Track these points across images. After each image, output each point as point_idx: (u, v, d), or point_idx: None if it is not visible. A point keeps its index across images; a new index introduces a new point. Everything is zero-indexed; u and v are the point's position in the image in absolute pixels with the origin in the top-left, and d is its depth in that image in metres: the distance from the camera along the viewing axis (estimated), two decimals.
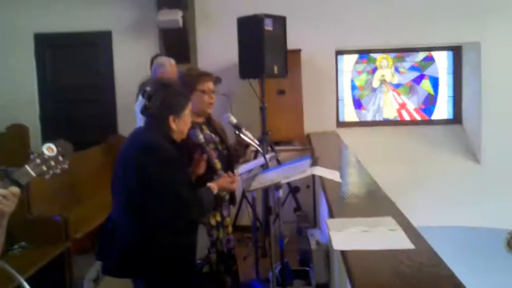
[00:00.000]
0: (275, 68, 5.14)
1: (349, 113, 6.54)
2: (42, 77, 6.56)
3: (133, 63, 6.09)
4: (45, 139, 6.40)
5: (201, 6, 6.25)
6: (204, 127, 3.13)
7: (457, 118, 6.45)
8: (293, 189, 5.35)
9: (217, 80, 3.38)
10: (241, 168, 3.50)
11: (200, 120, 3.14)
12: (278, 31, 5.19)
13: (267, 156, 3.54)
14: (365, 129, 6.42)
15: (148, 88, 2.65)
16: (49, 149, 1.96)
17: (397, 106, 6.53)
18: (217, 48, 6.13)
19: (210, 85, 3.10)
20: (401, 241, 2.14)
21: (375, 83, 6.52)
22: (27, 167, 1.92)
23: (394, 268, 1.87)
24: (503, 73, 6.01)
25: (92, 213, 4.52)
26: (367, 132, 6.35)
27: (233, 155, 3.23)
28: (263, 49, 5.01)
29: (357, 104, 6.54)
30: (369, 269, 1.94)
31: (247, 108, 5.70)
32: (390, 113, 6.54)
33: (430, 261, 1.91)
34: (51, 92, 6.57)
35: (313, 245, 3.54)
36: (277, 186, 2.86)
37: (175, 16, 5.79)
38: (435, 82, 6.47)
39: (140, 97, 4.58)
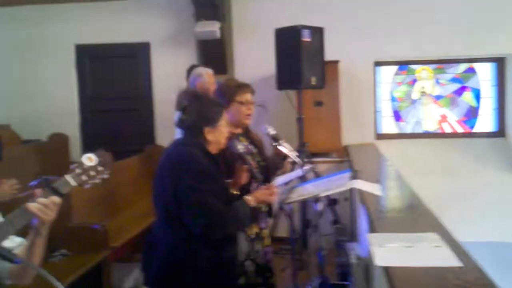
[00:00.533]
0: (313, 79, 5.11)
1: (387, 125, 6.43)
2: (83, 88, 6.68)
3: (171, 74, 6.14)
4: (85, 148, 6.53)
5: (239, 18, 6.28)
6: (242, 138, 3.11)
7: (501, 131, 6.27)
8: (331, 201, 5.27)
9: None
10: (279, 180, 3.47)
11: (238, 131, 3.13)
12: (316, 42, 5.16)
13: (305, 168, 3.50)
14: (404, 141, 6.30)
15: (183, 99, 2.65)
16: (89, 159, 1.97)
17: (438, 118, 6.39)
18: (254, 59, 6.13)
19: (248, 96, 3.09)
20: (447, 258, 2.06)
21: (415, 95, 6.40)
22: (68, 177, 1.94)
23: (441, 286, 1.80)
24: None
25: (130, 222, 4.56)
26: (407, 144, 6.23)
27: (270, 166, 3.20)
28: (301, 60, 4.99)
29: (397, 116, 6.43)
30: (414, 286, 1.87)
31: (284, 119, 5.67)
32: (430, 125, 6.40)
33: (479, 280, 1.83)
34: (91, 102, 6.69)
35: (352, 260, 3.46)
36: (316, 199, 2.82)
37: (213, 28, 5.83)
38: (477, 94, 6.31)
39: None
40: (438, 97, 6.38)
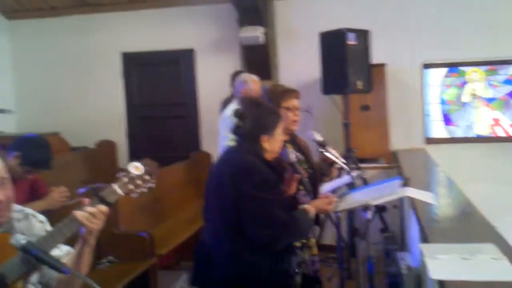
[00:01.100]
0: (359, 83, 5.01)
1: (437, 129, 6.24)
2: (129, 95, 6.78)
3: (215, 80, 6.17)
4: (132, 154, 6.62)
5: (283, 22, 6.23)
6: (289, 145, 3.06)
7: None
8: (380, 208, 5.14)
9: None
10: (326, 187, 3.40)
11: (285, 138, 3.07)
12: (362, 45, 5.06)
13: (353, 174, 3.42)
14: (456, 145, 6.09)
15: (239, 107, 2.61)
16: (136, 168, 1.97)
17: (491, 122, 6.15)
18: (299, 64, 6.07)
19: (295, 102, 3.03)
20: (507, 272, 1.94)
21: (465, 98, 6.19)
22: (115, 186, 1.93)
23: None
24: None
25: (176, 229, 4.57)
26: (458, 149, 6.02)
27: (317, 173, 3.13)
28: (347, 64, 4.90)
29: (447, 119, 6.23)
30: None
31: (329, 124, 5.59)
32: (482, 129, 6.17)
33: None
34: (137, 109, 6.78)
35: (403, 270, 3.35)
36: (366, 208, 2.73)
37: (257, 33, 5.81)
38: None
39: (223, 115, 4.63)
40: (490, 100, 6.14)
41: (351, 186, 3.51)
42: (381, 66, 5.65)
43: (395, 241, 4.73)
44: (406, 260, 3.52)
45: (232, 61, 6.23)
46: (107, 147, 6.30)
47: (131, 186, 1.95)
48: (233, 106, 4.47)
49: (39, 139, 3.41)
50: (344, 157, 4.49)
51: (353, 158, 4.95)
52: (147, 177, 1.97)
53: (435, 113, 6.24)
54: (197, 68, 6.56)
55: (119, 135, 6.63)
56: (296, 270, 2.90)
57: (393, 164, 5.51)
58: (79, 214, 1.86)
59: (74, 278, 2.00)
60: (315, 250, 3.11)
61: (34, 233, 2.05)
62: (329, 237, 5.14)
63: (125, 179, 1.95)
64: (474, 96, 6.16)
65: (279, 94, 3.02)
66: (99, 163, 5.86)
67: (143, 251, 3.90)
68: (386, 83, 5.73)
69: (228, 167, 2.48)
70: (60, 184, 3.50)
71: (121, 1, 6.52)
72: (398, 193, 2.58)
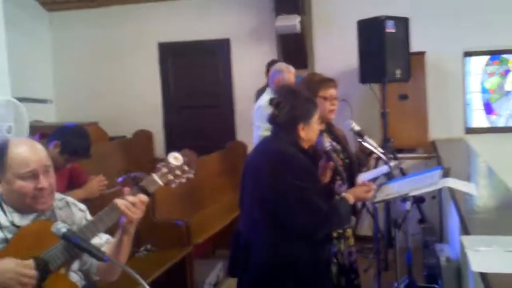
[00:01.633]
0: (398, 72, 4.93)
1: (478, 119, 6.08)
2: (166, 85, 6.83)
3: (251, 69, 6.15)
4: (168, 144, 6.68)
5: (319, 11, 6.16)
6: (325, 134, 3.02)
7: None
8: (417, 199, 5.06)
9: None
10: (363, 177, 3.35)
11: (321, 127, 3.04)
12: (401, 33, 4.97)
13: (390, 164, 3.36)
14: (497, 135, 5.93)
15: (274, 96, 2.59)
16: (176, 159, 1.99)
17: None
18: (335, 53, 6.00)
19: (332, 91, 2.99)
20: None
21: (508, 86, 6.01)
22: (155, 176, 1.95)
23: None
24: None
25: (212, 218, 4.59)
26: (500, 138, 5.86)
27: (355, 163, 3.09)
28: (385, 52, 4.83)
29: (488, 108, 6.07)
30: None
31: (367, 114, 5.51)
32: None
33: None
34: (173, 99, 6.83)
35: (442, 262, 3.29)
36: (404, 198, 2.68)
37: (293, 21, 5.75)
38: None
39: (256, 105, 4.61)
40: None
41: (388, 176, 3.45)
42: (420, 54, 5.54)
43: (434, 232, 4.65)
44: (445, 252, 3.46)
45: (268, 51, 6.20)
46: (144, 137, 6.37)
47: (170, 177, 1.97)
48: (266, 95, 4.44)
49: (79, 129, 3.47)
50: (382, 147, 4.44)
51: (391, 148, 4.88)
52: (186, 167, 2.00)
53: (475, 102, 6.09)
54: (233, 57, 6.56)
55: (156, 125, 6.70)
56: (335, 260, 2.89)
57: (432, 154, 5.40)
58: (120, 203, 1.89)
59: (114, 266, 2.03)
60: (351, 241, 3.08)
61: (74, 221, 2.10)
62: (366, 228, 5.10)
63: (165, 170, 1.97)
64: None
65: (316, 83, 2.99)
66: (136, 153, 5.93)
67: (179, 239, 3.93)
68: (425, 72, 5.62)
69: (266, 157, 2.47)
70: (98, 173, 3.56)
71: None
72: (439, 184, 2.52)
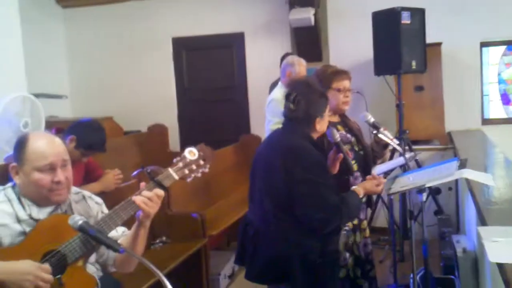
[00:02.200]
0: (413, 63, 4.88)
1: (495, 110, 6.01)
2: (180, 79, 6.84)
3: (265, 63, 6.14)
4: (183, 138, 6.71)
5: (333, 3, 6.11)
6: (339, 126, 3.01)
7: None
8: (434, 191, 5.03)
9: None
10: (378, 169, 3.34)
11: (335, 119, 3.03)
12: (416, 24, 4.91)
13: (406, 156, 3.34)
14: None
15: (289, 90, 2.59)
16: (191, 153, 2.03)
17: None
18: (350, 45, 5.96)
19: (346, 83, 2.99)
20: None
21: None
22: (171, 170, 1.98)
23: None
24: None
25: (227, 210, 4.61)
26: None
27: (369, 155, 3.08)
28: (400, 43, 4.77)
29: (505, 99, 5.99)
30: None
31: (382, 106, 5.47)
32: None
33: None
34: (188, 93, 6.84)
35: (459, 253, 3.27)
36: (420, 190, 2.66)
37: (307, 14, 5.72)
38: None
39: (268, 98, 4.60)
40: None
41: (404, 168, 3.44)
42: (436, 45, 5.48)
43: (450, 223, 4.62)
44: (461, 243, 3.44)
45: (282, 44, 6.18)
46: (158, 131, 6.40)
47: (186, 171, 2.01)
48: (279, 89, 4.43)
49: (94, 123, 3.50)
50: (397, 138, 4.41)
51: (406, 140, 4.85)
52: (201, 162, 2.04)
53: (492, 93, 6.02)
54: (247, 51, 6.54)
55: (171, 119, 6.71)
56: (347, 254, 2.89)
57: (448, 146, 5.36)
58: (137, 198, 1.92)
59: (131, 258, 2.07)
60: (367, 232, 3.08)
61: (91, 214, 2.13)
62: (381, 220, 5.08)
63: (181, 164, 2.01)
64: None
65: (330, 76, 2.99)
66: (151, 147, 5.96)
67: (195, 231, 3.96)
68: (441, 63, 5.55)
69: (279, 150, 2.49)
70: (114, 167, 3.59)
71: None
72: (455, 175, 2.50)
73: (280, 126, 2.71)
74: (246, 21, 6.45)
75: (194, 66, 6.79)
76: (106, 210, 2.21)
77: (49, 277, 1.83)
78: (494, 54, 5.97)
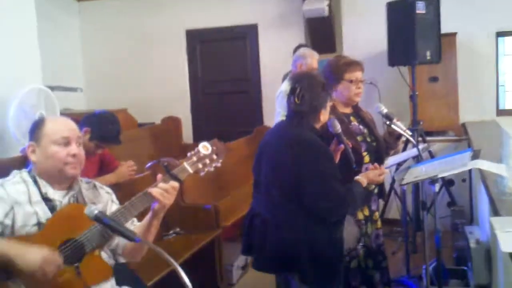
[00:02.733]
0: (428, 54, 4.84)
1: (511, 100, 5.95)
2: (193, 71, 6.86)
3: (279, 54, 6.13)
4: (196, 130, 6.74)
5: None
6: (352, 118, 3.02)
7: None
8: (447, 182, 5.01)
9: None
10: (391, 160, 3.34)
11: (348, 110, 3.03)
12: (431, 14, 4.87)
13: (419, 147, 3.33)
14: None
15: (292, 83, 2.60)
16: (205, 148, 2.11)
17: None
18: (364, 35, 5.92)
19: (358, 74, 2.98)
20: None
21: None
22: (186, 164, 2.06)
23: None
24: None
25: (239, 202, 4.62)
26: None
27: (382, 147, 3.07)
28: (415, 34, 4.74)
29: None
30: None
31: (396, 97, 5.43)
32: None
33: None
34: (201, 86, 6.86)
35: (472, 244, 3.26)
36: (433, 180, 2.66)
37: (321, 5, 5.70)
38: None
39: (279, 90, 4.60)
40: None
41: (417, 159, 3.43)
42: (451, 35, 5.43)
43: (463, 215, 4.59)
44: (474, 234, 3.42)
45: (296, 35, 6.16)
46: (172, 123, 6.42)
47: (200, 165, 2.09)
48: (288, 81, 4.43)
49: (108, 115, 3.52)
50: (411, 130, 4.39)
51: (420, 131, 4.83)
52: (214, 156, 2.12)
53: (508, 83, 5.95)
54: (260, 43, 6.54)
55: (184, 111, 6.74)
56: (362, 243, 2.90)
57: (463, 137, 5.32)
58: (154, 190, 1.99)
59: (140, 246, 2.14)
60: (379, 224, 3.09)
61: (101, 202, 2.18)
62: (394, 211, 5.07)
63: (195, 158, 2.09)
64: None
65: (342, 67, 2.98)
66: (165, 139, 5.99)
67: (208, 223, 3.99)
68: (456, 53, 5.50)
69: (285, 142, 2.52)
70: (128, 159, 3.62)
71: None
72: (468, 165, 2.49)
73: None
74: (260, 13, 6.44)
75: (208, 58, 6.81)
76: (116, 199, 2.28)
77: (58, 259, 1.87)
78: (510, 44, 5.90)
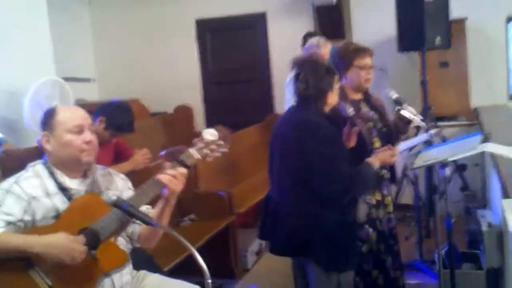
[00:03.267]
0: (437, 39, 4.82)
1: None
2: (204, 61, 6.90)
3: (288, 42, 6.11)
4: (208, 118, 6.79)
5: None
6: (362, 104, 3.04)
7: None
8: (459, 167, 5.02)
9: None
10: (402, 145, 3.36)
11: (358, 96, 3.06)
12: (441, 0, 4.85)
13: (430, 132, 3.35)
14: None
15: (296, 69, 2.63)
16: (210, 134, 2.13)
17: None
18: (373, 22, 5.90)
19: (368, 60, 3.00)
20: None
21: None
22: (192, 150, 2.09)
23: None
24: None
25: (253, 189, 4.68)
26: None
27: (393, 132, 3.10)
28: (424, 19, 4.71)
29: None
30: None
31: (406, 83, 5.43)
32: None
33: None
34: (212, 75, 6.90)
35: (484, 227, 3.27)
36: (443, 164, 2.68)
37: None
38: None
39: (288, 77, 4.62)
40: None
41: (428, 144, 3.45)
42: (461, 21, 5.40)
43: (476, 199, 4.61)
44: (487, 217, 3.43)
45: (305, 23, 6.17)
46: (184, 112, 6.48)
47: (206, 151, 2.11)
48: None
49: (122, 104, 3.58)
50: (422, 115, 4.40)
51: (431, 116, 4.83)
52: (221, 142, 2.14)
53: None
54: (270, 31, 6.57)
55: (196, 100, 6.79)
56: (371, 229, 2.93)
57: (474, 122, 5.31)
58: (162, 177, 2.02)
59: (156, 232, 2.19)
60: (390, 208, 3.11)
61: (116, 188, 2.22)
62: (407, 196, 5.09)
63: (201, 145, 2.12)
64: None
65: (352, 53, 3.00)
66: (177, 127, 6.05)
67: (222, 209, 4.06)
68: (466, 39, 5.48)
69: (293, 127, 2.55)
70: (141, 148, 3.67)
71: None
72: (478, 148, 2.51)
73: None
74: (268, 1, 6.47)
75: (218, 48, 6.84)
76: (131, 186, 2.31)
77: (83, 247, 1.93)
78: None
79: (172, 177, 2.02)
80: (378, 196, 3.00)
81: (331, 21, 6.00)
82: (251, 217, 5.01)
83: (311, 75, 2.54)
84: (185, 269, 2.72)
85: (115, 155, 3.59)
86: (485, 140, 2.63)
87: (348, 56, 2.98)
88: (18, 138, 4.39)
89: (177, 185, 2.03)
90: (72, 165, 2.11)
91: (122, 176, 2.36)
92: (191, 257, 1.72)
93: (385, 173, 3.04)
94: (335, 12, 5.94)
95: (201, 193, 4.13)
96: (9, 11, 4.49)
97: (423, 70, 4.86)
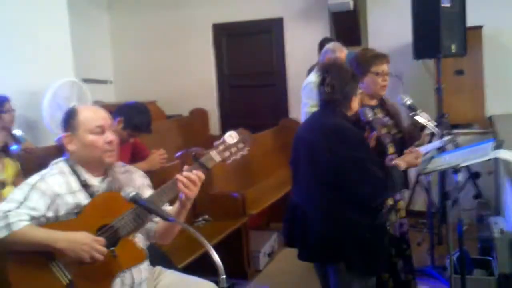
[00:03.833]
0: (453, 47, 4.85)
1: None
2: (220, 65, 6.97)
3: (304, 48, 6.18)
4: (223, 122, 6.85)
5: None
6: (377, 110, 3.06)
7: None
8: (473, 174, 5.02)
9: None
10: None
11: (373, 102, 3.08)
12: (457, 7, 4.86)
13: (444, 139, 3.36)
14: None
15: (322, 73, 2.66)
16: (231, 137, 2.14)
17: None
18: (389, 29, 5.91)
19: (384, 67, 3.01)
20: None
21: None
22: (213, 153, 2.11)
23: None
24: None
25: (266, 192, 4.73)
26: None
27: (406, 138, 3.12)
28: (440, 27, 4.74)
29: None
30: None
31: (421, 90, 5.43)
32: None
33: None
34: (228, 78, 6.97)
35: (496, 233, 3.29)
36: (456, 170, 2.70)
37: None
38: None
39: (305, 81, 4.65)
40: None
41: (441, 150, 3.46)
42: (477, 28, 5.39)
43: (489, 207, 4.60)
44: (499, 224, 3.44)
45: (321, 29, 6.21)
46: (199, 115, 6.55)
47: (227, 154, 2.13)
48: (315, 73, 4.48)
49: (140, 105, 3.64)
50: (436, 122, 4.40)
51: (446, 124, 4.82)
52: (241, 145, 2.15)
53: None
54: (286, 36, 6.60)
55: (211, 104, 6.86)
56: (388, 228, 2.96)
57: (489, 130, 5.30)
58: (180, 178, 2.04)
59: (172, 228, 2.22)
60: (403, 213, 3.12)
61: (134, 185, 2.26)
62: (420, 203, 5.10)
63: (222, 147, 2.13)
64: None
65: (369, 59, 3.02)
66: (192, 130, 6.12)
67: (235, 210, 4.11)
68: (482, 47, 5.47)
69: (321, 132, 2.57)
70: (159, 149, 3.73)
71: None
72: (490, 155, 2.53)
73: (315, 109, 2.79)
74: (285, 6, 6.50)
75: (234, 52, 6.90)
76: (150, 184, 2.35)
77: (103, 249, 1.99)
78: None
79: (189, 182, 2.04)
80: (391, 201, 3.02)
81: (347, 27, 6.04)
82: (264, 219, 5.06)
83: (337, 79, 2.58)
84: (198, 268, 2.76)
85: (132, 155, 3.65)
86: (498, 146, 2.65)
87: (366, 62, 3.00)
88: (36, 137, 4.49)
89: (193, 191, 2.06)
90: (95, 164, 2.16)
91: (142, 173, 2.40)
92: (204, 256, 1.74)
93: None
94: (352, 18, 5.97)
95: (215, 194, 4.18)
96: (31, 13, 4.59)
97: (438, 77, 4.88)
